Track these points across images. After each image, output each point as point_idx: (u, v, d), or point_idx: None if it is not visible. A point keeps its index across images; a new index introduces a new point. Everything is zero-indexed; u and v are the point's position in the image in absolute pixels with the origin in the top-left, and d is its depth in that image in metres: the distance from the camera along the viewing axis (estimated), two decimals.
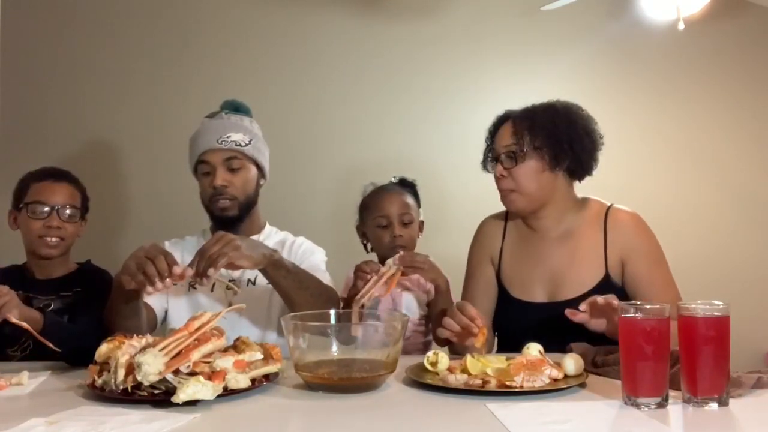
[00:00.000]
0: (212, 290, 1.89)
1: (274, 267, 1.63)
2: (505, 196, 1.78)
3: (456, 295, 1.96)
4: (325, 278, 1.84)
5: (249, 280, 1.89)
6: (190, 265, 1.52)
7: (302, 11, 3.20)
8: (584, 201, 1.83)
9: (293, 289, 1.66)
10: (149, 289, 1.49)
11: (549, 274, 1.76)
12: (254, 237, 1.93)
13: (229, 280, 1.87)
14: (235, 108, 1.97)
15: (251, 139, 1.89)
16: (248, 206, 1.90)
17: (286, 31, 3.20)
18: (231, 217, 1.87)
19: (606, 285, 1.70)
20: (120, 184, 3.08)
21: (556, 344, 1.50)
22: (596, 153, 1.77)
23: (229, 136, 1.85)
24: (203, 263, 1.51)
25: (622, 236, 1.73)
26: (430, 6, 3.26)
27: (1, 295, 1.46)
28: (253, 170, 1.91)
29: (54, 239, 1.88)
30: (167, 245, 1.98)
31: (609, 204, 1.80)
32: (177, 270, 1.48)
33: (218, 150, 1.85)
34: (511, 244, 1.86)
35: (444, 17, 3.26)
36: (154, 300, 1.84)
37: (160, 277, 1.47)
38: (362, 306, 1.58)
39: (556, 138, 1.72)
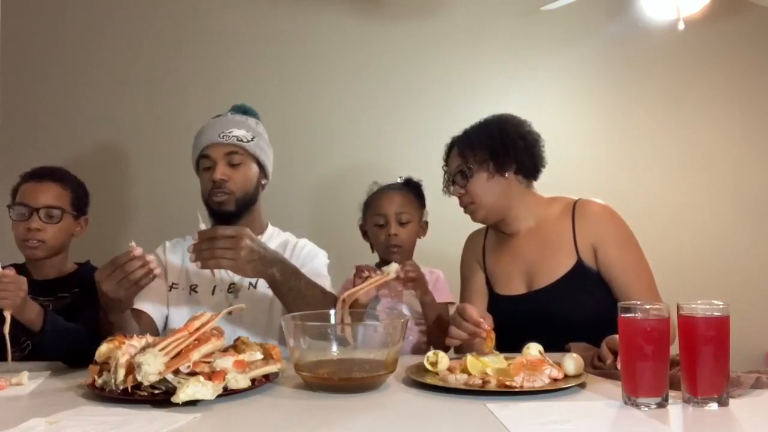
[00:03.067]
0: (213, 293, 1.88)
1: (274, 285, 1.64)
2: (467, 210, 1.89)
3: (454, 296, 1.97)
4: (326, 283, 1.84)
5: (250, 284, 1.88)
6: (195, 246, 1.53)
7: (303, 11, 3.20)
8: (553, 199, 1.93)
9: (291, 303, 1.65)
10: (156, 270, 1.52)
11: (524, 266, 1.86)
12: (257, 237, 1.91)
13: (230, 284, 1.87)
14: (244, 112, 1.98)
15: (254, 137, 1.89)
16: (246, 204, 1.88)
17: (287, 31, 3.19)
18: (228, 212, 1.85)
19: (579, 270, 1.78)
20: (121, 184, 3.07)
21: (538, 333, 1.51)
22: (535, 151, 1.88)
23: (231, 131, 1.86)
24: (206, 254, 1.52)
25: (590, 224, 1.80)
26: (430, 6, 3.26)
27: (5, 288, 1.48)
28: (254, 168, 1.90)
29: (34, 241, 1.87)
30: (168, 246, 1.98)
31: (576, 198, 1.89)
32: (138, 252, 1.49)
33: (220, 144, 1.85)
34: (491, 247, 1.97)
35: (444, 17, 3.26)
36: (153, 308, 1.84)
37: (146, 274, 1.50)
38: (344, 302, 1.57)
39: (492, 148, 1.85)
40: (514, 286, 1.87)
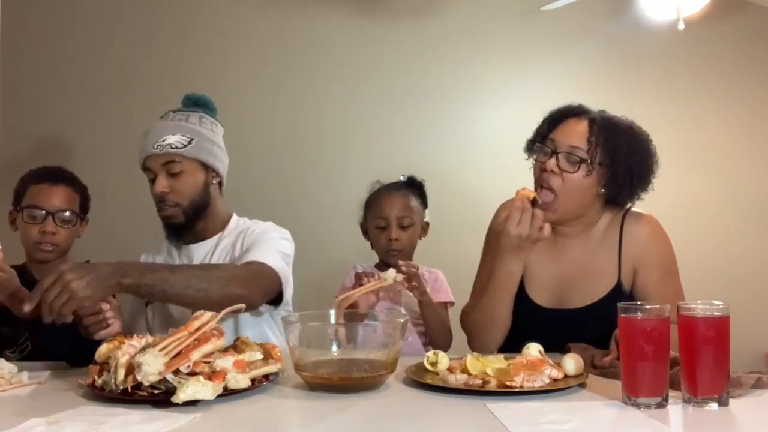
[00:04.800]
0: None
1: (131, 291, 1.49)
2: (543, 202, 1.63)
3: (463, 292, 1.95)
4: (261, 254, 1.70)
5: None
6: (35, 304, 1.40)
7: (302, 13, 3.20)
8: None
9: (169, 298, 1.55)
10: (110, 320, 1.54)
11: (561, 279, 1.71)
12: (217, 235, 1.86)
13: None
14: (194, 102, 1.90)
15: (192, 139, 1.78)
16: (196, 210, 1.81)
17: (288, 31, 3.20)
18: (178, 224, 1.80)
19: (616, 294, 1.64)
20: (110, 185, 3.07)
21: (555, 346, 1.49)
22: (647, 188, 1.67)
23: (165, 140, 1.76)
24: (46, 310, 1.38)
25: (637, 244, 1.67)
26: (431, 7, 3.26)
27: None
28: (198, 172, 1.80)
29: (48, 245, 1.87)
30: (142, 258, 1.95)
31: (627, 206, 1.73)
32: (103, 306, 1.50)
33: (156, 155, 1.77)
34: None
35: (444, 18, 3.27)
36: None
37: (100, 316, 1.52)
38: (339, 305, 1.55)
39: (628, 165, 1.61)
40: (543, 295, 1.72)
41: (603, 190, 1.64)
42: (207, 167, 1.83)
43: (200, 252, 1.86)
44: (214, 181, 1.86)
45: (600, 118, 1.64)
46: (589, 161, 1.59)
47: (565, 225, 1.70)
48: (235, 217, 1.93)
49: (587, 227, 1.72)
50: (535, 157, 1.69)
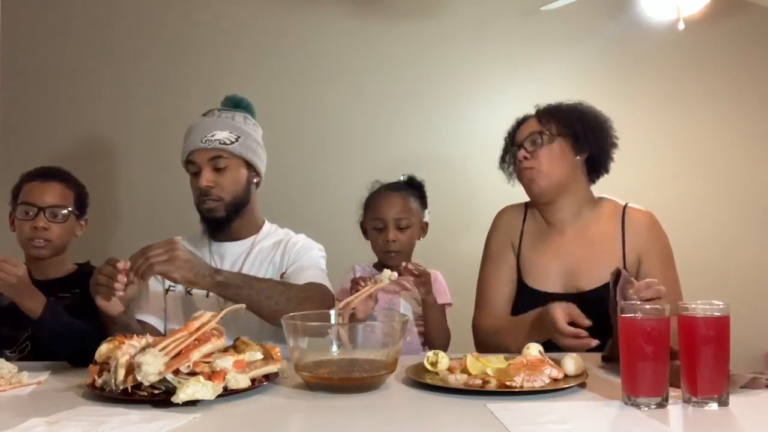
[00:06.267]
0: (207, 296, 1.83)
1: (219, 288, 1.60)
2: (525, 176, 1.81)
3: (462, 292, 1.95)
4: (318, 276, 1.80)
5: None
6: (130, 258, 1.52)
7: (303, 12, 3.20)
8: (599, 200, 1.88)
9: (251, 303, 1.60)
10: (117, 293, 1.52)
11: (566, 266, 1.80)
12: (251, 237, 1.91)
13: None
14: (235, 104, 1.93)
15: (239, 137, 1.83)
16: (237, 207, 1.85)
17: (289, 31, 3.19)
18: (218, 218, 1.83)
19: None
20: (118, 184, 3.07)
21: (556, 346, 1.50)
22: (611, 152, 1.86)
23: (214, 135, 1.80)
24: (140, 262, 1.50)
25: (639, 235, 1.78)
26: (431, 7, 3.26)
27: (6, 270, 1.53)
28: (242, 169, 1.85)
29: (40, 241, 1.87)
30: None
31: (624, 203, 1.86)
32: (120, 266, 1.51)
33: (203, 150, 1.80)
34: (530, 234, 1.88)
35: (445, 18, 3.26)
36: (155, 318, 1.84)
37: (112, 280, 1.51)
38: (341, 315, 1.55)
39: (582, 124, 1.80)
40: (551, 283, 1.80)
41: (578, 158, 1.81)
42: (250, 166, 1.88)
43: (234, 252, 1.88)
44: (254, 180, 1.91)
45: (546, 105, 1.87)
46: (548, 133, 1.79)
47: (557, 202, 1.82)
48: (267, 223, 1.97)
49: (580, 207, 1.83)
50: (509, 166, 1.88)
